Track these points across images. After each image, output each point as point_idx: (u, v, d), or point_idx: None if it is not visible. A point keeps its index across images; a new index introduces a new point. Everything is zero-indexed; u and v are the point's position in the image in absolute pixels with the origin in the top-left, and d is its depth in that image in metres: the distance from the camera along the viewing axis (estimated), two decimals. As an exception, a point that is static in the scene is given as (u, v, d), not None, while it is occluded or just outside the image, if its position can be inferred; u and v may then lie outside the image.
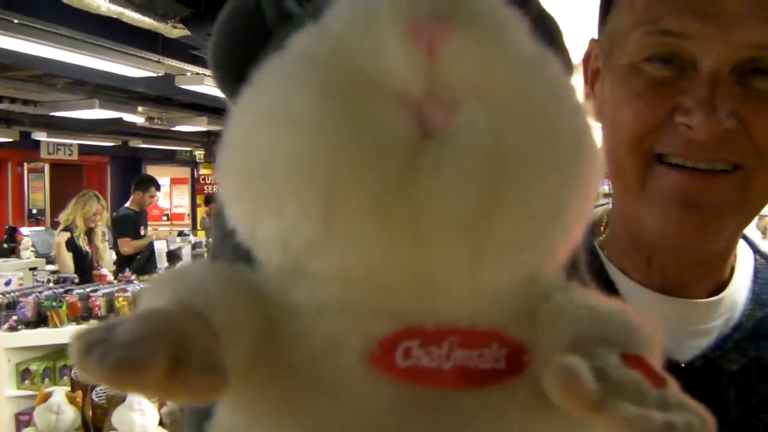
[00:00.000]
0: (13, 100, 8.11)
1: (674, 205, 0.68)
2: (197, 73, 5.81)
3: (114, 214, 8.10)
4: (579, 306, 0.45)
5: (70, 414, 2.16)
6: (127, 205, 7.83)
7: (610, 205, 0.82)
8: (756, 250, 0.80)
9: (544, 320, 0.45)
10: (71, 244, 6.99)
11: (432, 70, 0.40)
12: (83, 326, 4.51)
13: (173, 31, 4.06)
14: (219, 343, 0.40)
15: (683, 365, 0.70)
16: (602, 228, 0.82)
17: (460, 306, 0.44)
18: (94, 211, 7.06)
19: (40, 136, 11.31)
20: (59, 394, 2.26)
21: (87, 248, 7.07)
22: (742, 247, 0.79)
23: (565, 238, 0.43)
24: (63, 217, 7.22)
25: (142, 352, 0.35)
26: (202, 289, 0.44)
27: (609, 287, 0.75)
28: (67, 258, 6.96)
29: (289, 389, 0.45)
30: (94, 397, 2.13)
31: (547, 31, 0.49)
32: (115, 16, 3.69)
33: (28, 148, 12.51)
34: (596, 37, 0.79)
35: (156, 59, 5.22)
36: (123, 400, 2.09)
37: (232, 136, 0.44)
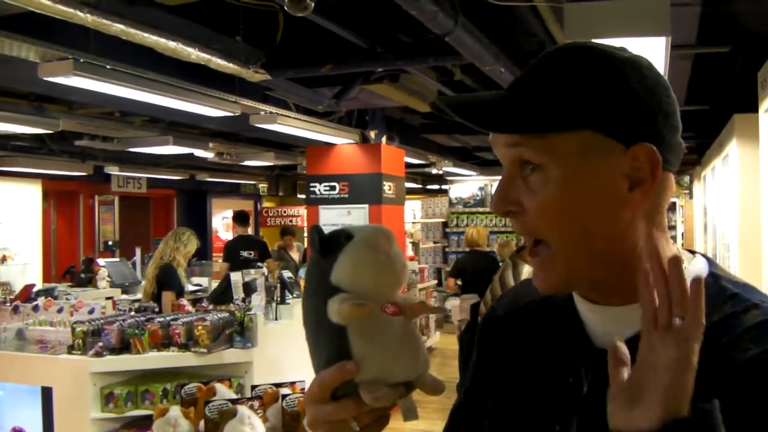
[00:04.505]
0: (93, 137, 8.48)
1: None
2: (270, 112, 6.08)
3: None
4: None
5: (185, 427, 2.37)
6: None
7: None
8: (711, 272, 1.00)
9: None
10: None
11: None
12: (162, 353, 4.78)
13: (255, 75, 4.31)
14: None
15: (596, 347, 1.01)
16: None
17: None
18: (194, 251, 7.21)
19: (112, 170, 11.68)
20: (175, 409, 2.48)
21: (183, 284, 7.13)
22: (699, 267, 1.00)
23: None
24: (162, 254, 7.12)
25: None
26: None
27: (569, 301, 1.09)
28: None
29: None
30: (206, 412, 2.34)
31: None
32: (203, 63, 3.96)
33: (99, 181, 12.90)
34: None
35: (233, 100, 5.49)
36: (234, 415, 2.28)
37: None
